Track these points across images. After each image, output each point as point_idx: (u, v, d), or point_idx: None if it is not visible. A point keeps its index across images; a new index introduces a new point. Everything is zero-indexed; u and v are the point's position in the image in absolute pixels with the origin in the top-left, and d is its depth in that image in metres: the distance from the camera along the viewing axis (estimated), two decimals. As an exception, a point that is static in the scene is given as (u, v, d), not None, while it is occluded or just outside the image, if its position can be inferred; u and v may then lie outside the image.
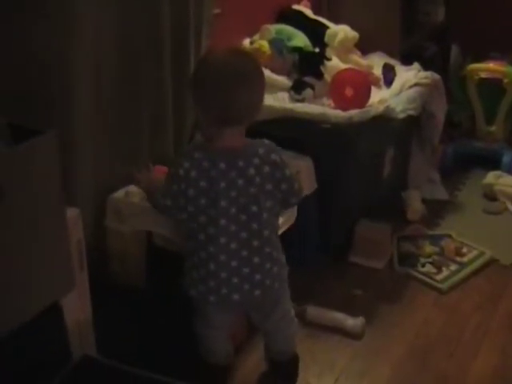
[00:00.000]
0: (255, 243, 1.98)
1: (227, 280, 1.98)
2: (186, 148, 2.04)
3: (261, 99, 1.97)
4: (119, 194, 2.46)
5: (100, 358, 1.77)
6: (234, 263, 1.98)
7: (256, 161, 1.95)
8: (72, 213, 1.80)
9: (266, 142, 2.02)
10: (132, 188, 2.47)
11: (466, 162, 4.01)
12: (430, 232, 3.31)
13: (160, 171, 2.32)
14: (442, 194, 3.71)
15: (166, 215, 2.10)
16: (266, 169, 1.96)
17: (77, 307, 1.86)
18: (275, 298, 2.10)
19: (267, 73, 3.06)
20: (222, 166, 1.92)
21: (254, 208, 1.96)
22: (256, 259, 1.99)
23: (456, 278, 2.93)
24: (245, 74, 1.90)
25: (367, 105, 2.98)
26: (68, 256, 1.68)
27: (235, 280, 1.99)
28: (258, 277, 2.00)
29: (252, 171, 1.94)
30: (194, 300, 2.07)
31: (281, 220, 2.52)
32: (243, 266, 1.98)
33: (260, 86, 1.96)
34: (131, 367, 1.75)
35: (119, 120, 2.46)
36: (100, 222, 2.44)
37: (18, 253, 1.53)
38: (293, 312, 2.23)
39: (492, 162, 3.88)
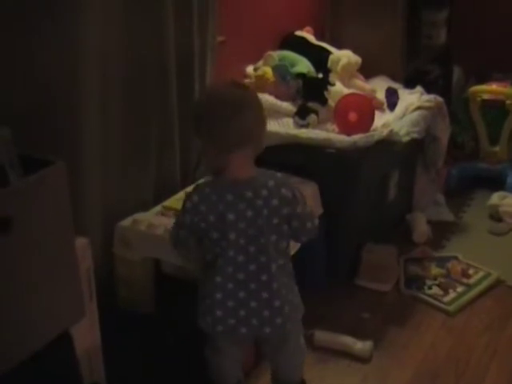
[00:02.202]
0: (263, 277, 1.98)
1: (234, 310, 1.99)
2: (198, 184, 2.08)
3: (257, 126, 1.96)
4: (127, 221, 2.49)
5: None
6: (241, 294, 1.99)
7: (264, 192, 1.94)
8: (81, 242, 1.82)
9: (279, 175, 2.02)
10: (139, 216, 2.49)
11: (471, 183, 4.02)
12: (436, 254, 3.32)
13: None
14: (447, 215, 3.71)
15: (176, 247, 2.13)
16: (275, 202, 1.95)
17: (87, 335, 1.88)
18: (286, 336, 2.11)
19: (271, 99, 3.12)
20: (230, 197, 1.93)
21: (262, 240, 1.97)
22: (264, 294, 1.99)
23: (463, 300, 2.94)
24: (239, 102, 1.92)
25: (371, 129, 3.01)
26: (78, 285, 1.70)
27: (242, 312, 1.99)
28: (266, 313, 2.00)
29: (260, 202, 1.94)
30: (204, 329, 2.08)
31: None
32: (251, 299, 1.99)
33: (255, 113, 1.96)
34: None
35: (126, 147, 2.50)
36: (108, 248, 2.47)
37: (28, 283, 1.55)
38: (303, 341, 2.23)
39: (496, 183, 3.89)
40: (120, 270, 2.51)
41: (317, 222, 2.11)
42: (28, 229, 1.50)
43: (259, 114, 1.98)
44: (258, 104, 2.00)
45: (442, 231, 3.55)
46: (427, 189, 3.70)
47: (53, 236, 1.57)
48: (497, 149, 4.07)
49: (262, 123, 2.00)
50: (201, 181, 2.44)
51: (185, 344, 2.37)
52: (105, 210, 2.45)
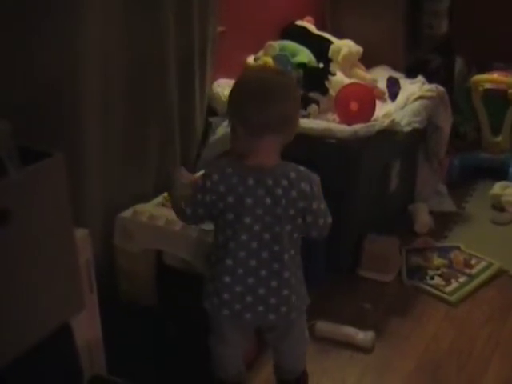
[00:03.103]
0: (275, 266, 1.98)
1: (241, 296, 1.99)
2: (220, 161, 2.06)
3: (291, 113, 1.95)
4: (127, 213, 2.48)
5: (110, 377, 1.77)
6: (250, 280, 1.98)
7: (285, 183, 1.94)
8: (81, 233, 1.81)
9: (302, 168, 2.02)
10: (140, 207, 2.48)
11: (473, 173, 4.01)
12: (438, 244, 3.31)
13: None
14: (449, 205, 3.71)
15: (186, 223, 2.17)
16: (293, 194, 1.95)
17: (87, 328, 1.87)
18: (290, 325, 2.10)
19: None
20: (251, 182, 1.92)
21: (278, 229, 1.96)
22: (274, 283, 1.99)
23: (465, 290, 2.93)
24: (282, 89, 1.93)
25: (372, 119, 2.99)
26: (77, 277, 1.69)
27: (249, 299, 1.99)
28: (273, 301, 2.00)
29: (280, 192, 1.93)
30: (208, 314, 2.07)
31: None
32: (260, 286, 1.98)
33: (295, 103, 1.98)
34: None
35: (127, 139, 2.49)
36: (108, 240, 2.46)
37: (27, 275, 1.54)
38: (307, 332, 2.22)
39: (498, 173, 3.88)
40: (121, 262, 2.50)
41: (330, 220, 2.12)
42: (27, 221, 1.49)
43: (297, 104, 2.01)
44: (297, 94, 2.03)
45: (444, 221, 3.54)
46: (429, 179, 3.68)
47: (52, 228, 1.56)
48: (499, 139, 4.06)
49: (298, 114, 2.02)
50: (198, 173, 2.46)
51: (186, 336, 2.37)
52: (105, 202, 2.44)
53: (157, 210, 2.47)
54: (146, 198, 2.56)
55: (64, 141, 2.13)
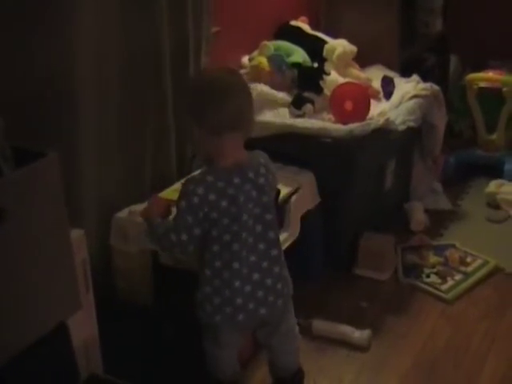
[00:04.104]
0: (274, 252, 2.02)
1: (252, 293, 1.99)
2: (192, 178, 2.01)
3: (246, 109, 1.97)
4: (123, 213, 2.48)
5: (107, 377, 1.77)
6: (255, 276, 1.99)
7: (262, 170, 1.99)
8: (76, 234, 1.81)
9: (260, 152, 2.07)
10: (135, 207, 2.48)
11: (468, 171, 4.01)
12: (434, 242, 3.31)
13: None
14: (444, 203, 3.71)
15: (175, 252, 2.03)
16: (270, 177, 2.02)
17: (83, 327, 1.87)
18: (280, 314, 2.11)
19: (267, 89, 3.10)
20: (237, 180, 1.94)
21: (269, 216, 2.01)
22: (276, 269, 2.02)
23: (461, 288, 2.94)
24: (233, 84, 1.96)
25: (367, 118, 3.00)
26: (73, 277, 1.69)
27: (260, 293, 2.00)
28: (279, 286, 2.04)
29: (262, 180, 1.98)
30: (201, 319, 2.08)
31: (285, 235, 2.55)
32: (266, 277, 2.00)
33: (248, 95, 2.00)
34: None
35: (122, 139, 2.49)
36: (104, 240, 2.46)
37: (23, 275, 1.54)
38: (297, 328, 2.23)
39: (494, 171, 3.88)
40: (117, 262, 2.50)
41: None
42: (22, 220, 1.50)
43: (250, 99, 2.01)
44: (248, 89, 2.03)
45: (440, 219, 3.55)
46: (424, 177, 3.69)
47: (47, 228, 1.56)
48: (494, 136, 4.06)
49: (252, 108, 2.03)
50: (194, 173, 2.47)
51: (183, 335, 2.37)
52: (101, 201, 2.44)
53: (153, 210, 2.46)
54: (141, 198, 2.56)
55: (59, 141, 2.12)
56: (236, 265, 1.96)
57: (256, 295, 2.00)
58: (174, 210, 2.02)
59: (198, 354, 2.20)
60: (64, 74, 2.14)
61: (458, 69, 4.72)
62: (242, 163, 1.96)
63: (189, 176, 2.69)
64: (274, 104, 3.07)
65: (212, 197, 1.90)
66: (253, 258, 1.99)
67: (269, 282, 2.01)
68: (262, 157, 2.04)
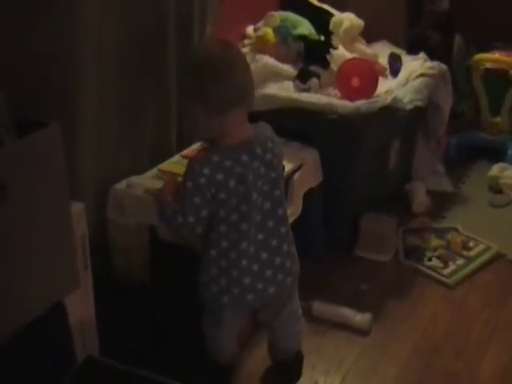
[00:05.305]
0: (283, 230, 1.96)
1: (260, 273, 1.93)
2: (199, 156, 1.89)
3: (251, 79, 1.89)
4: (121, 185, 2.40)
5: (104, 359, 1.69)
6: (264, 255, 1.93)
7: (270, 144, 1.91)
8: (76, 208, 1.72)
9: (265, 124, 1.98)
10: (134, 179, 2.40)
11: (470, 153, 3.95)
12: (436, 225, 3.25)
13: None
14: (446, 185, 3.66)
15: (183, 233, 1.93)
16: (277, 150, 1.94)
17: (80, 306, 1.79)
18: (288, 293, 2.05)
19: (272, 61, 3.01)
20: (245, 158, 1.85)
21: (277, 192, 1.93)
22: (285, 246, 1.97)
23: (463, 273, 2.88)
24: (230, 60, 1.85)
25: (374, 95, 2.91)
26: (73, 253, 1.60)
27: (269, 272, 1.94)
28: (288, 263, 1.98)
29: (269, 156, 1.89)
30: (206, 301, 2.00)
31: (288, 212, 2.47)
32: (275, 255, 1.95)
33: (247, 67, 1.90)
34: (135, 368, 1.69)
35: (122, 109, 2.40)
36: (101, 214, 2.37)
37: (21, 250, 1.46)
38: (300, 311, 2.17)
39: (496, 154, 3.82)
40: (114, 237, 2.42)
41: None
42: (22, 194, 1.40)
43: (250, 71, 1.91)
44: (246, 60, 1.94)
45: (442, 202, 3.49)
46: (426, 158, 3.62)
47: (48, 201, 1.47)
48: (498, 119, 4.00)
49: (252, 80, 1.92)
50: (194, 145, 2.38)
51: (181, 314, 2.30)
52: (98, 174, 2.35)
53: (151, 183, 2.39)
54: (140, 170, 2.48)
55: (57, 112, 2.02)
56: (244, 244, 1.88)
57: (264, 274, 1.93)
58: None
59: (197, 333, 2.14)
60: (64, 48, 2.03)
61: (461, 49, 4.62)
62: (249, 139, 1.87)
63: (188, 149, 2.64)
64: (278, 77, 2.98)
65: (219, 177, 1.81)
66: (261, 237, 1.91)
67: (278, 260, 1.95)
68: (267, 129, 1.96)
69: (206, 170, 1.80)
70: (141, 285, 2.32)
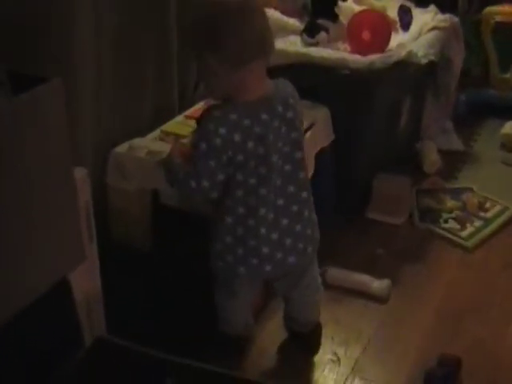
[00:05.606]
0: (304, 195, 1.81)
1: (279, 242, 1.79)
2: (213, 113, 1.68)
3: (269, 27, 1.71)
4: (122, 147, 2.25)
5: (115, 339, 1.54)
6: (284, 222, 1.79)
7: (291, 101, 1.75)
8: (79, 173, 1.55)
9: (285, 80, 1.83)
10: (136, 141, 2.25)
11: (480, 110, 3.80)
12: (449, 185, 3.11)
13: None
14: (457, 144, 3.52)
15: (209, 196, 1.75)
16: (299, 108, 1.78)
17: (86, 281, 1.63)
18: (308, 262, 1.91)
19: (277, 14, 2.86)
20: (265, 117, 1.68)
21: (299, 154, 1.78)
22: (306, 212, 1.82)
23: (481, 235, 2.75)
24: (247, 3, 1.67)
25: (386, 49, 2.75)
26: (77, 223, 1.44)
27: (289, 241, 1.80)
28: (309, 231, 1.84)
29: (291, 114, 1.73)
30: (219, 271, 1.86)
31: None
32: (295, 222, 1.80)
33: (264, 13, 1.72)
34: (146, 348, 1.55)
35: (121, 69, 2.24)
36: (100, 179, 2.22)
37: (20, 221, 1.30)
38: (319, 279, 2.04)
39: (507, 111, 3.67)
40: (114, 203, 2.27)
41: None
42: (21, 157, 1.24)
43: (266, 18, 1.72)
44: (261, 6, 1.76)
45: (453, 161, 3.36)
46: (436, 116, 3.47)
47: (49, 165, 1.30)
48: (508, 75, 3.85)
49: (270, 28, 1.74)
50: (197, 105, 2.22)
51: (186, 283, 2.17)
52: (97, 137, 2.19)
53: (155, 145, 2.24)
54: (142, 132, 2.32)
55: (52, 69, 1.85)
56: (262, 211, 1.73)
57: (284, 243, 1.78)
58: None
59: (203, 305, 2.03)
60: (58, 4, 1.85)
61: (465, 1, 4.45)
62: (269, 95, 1.71)
63: (192, 109, 2.48)
64: (284, 31, 2.81)
65: (237, 137, 1.64)
66: (281, 202, 1.76)
67: (298, 227, 1.80)
68: (288, 85, 1.79)
69: (222, 130, 1.63)
70: (142, 252, 2.18)
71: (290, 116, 1.73)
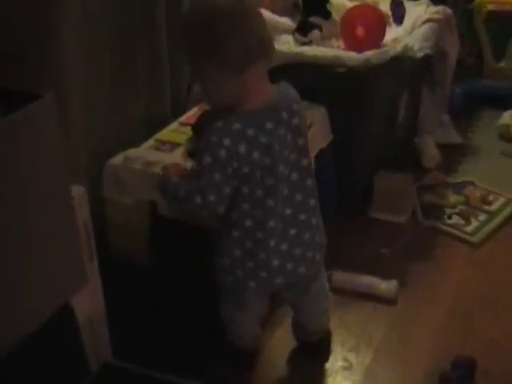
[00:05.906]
0: (312, 202, 1.75)
1: (289, 252, 1.73)
2: (215, 124, 1.59)
3: (267, 28, 1.64)
4: (117, 159, 2.19)
5: (121, 364, 1.48)
6: (292, 231, 1.72)
7: (295, 107, 1.68)
8: (77, 191, 1.49)
9: (286, 84, 1.76)
10: (131, 152, 2.19)
11: (476, 101, 3.75)
12: (450, 180, 3.06)
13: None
14: (455, 137, 3.47)
15: (217, 212, 1.65)
16: (303, 113, 1.73)
17: (89, 303, 1.56)
18: (316, 270, 1.85)
19: (267, 14, 2.79)
20: (270, 125, 1.61)
21: (305, 161, 1.72)
22: (314, 220, 1.77)
23: (487, 229, 2.70)
24: (243, 5, 1.59)
25: (381, 44, 2.69)
26: (77, 244, 1.38)
27: (298, 250, 1.74)
28: (317, 238, 1.79)
29: (296, 120, 1.67)
30: (227, 285, 1.80)
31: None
32: (303, 231, 1.74)
33: (260, 15, 1.65)
34: (152, 370, 1.49)
35: (113, 78, 2.18)
36: (96, 192, 2.15)
37: (17, 246, 1.23)
38: (327, 286, 1.98)
39: (503, 101, 3.62)
40: (111, 216, 2.21)
41: None
42: (15, 178, 1.17)
43: (264, 19, 1.65)
44: (257, 8, 1.69)
45: (452, 154, 3.31)
46: (432, 109, 3.41)
47: (45, 186, 1.24)
48: (502, 64, 3.80)
49: (268, 29, 1.66)
50: (191, 110, 2.15)
51: (187, 295, 2.11)
52: (90, 150, 2.13)
53: (151, 155, 2.18)
54: (135, 141, 2.26)
55: (43, 80, 1.82)
56: (271, 223, 1.66)
57: (294, 253, 1.73)
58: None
59: (205, 317, 2.00)
60: (48, 9, 1.78)
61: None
62: (273, 102, 1.64)
63: (186, 115, 2.42)
64: (275, 31, 2.73)
65: (242, 148, 1.57)
66: (289, 212, 1.70)
67: (307, 236, 1.74)
68: (290, 89, 1.73)
69: (227, 141, 1.56)
70: (141, 266, 2.12)
71: (296, 123, 1.67)
